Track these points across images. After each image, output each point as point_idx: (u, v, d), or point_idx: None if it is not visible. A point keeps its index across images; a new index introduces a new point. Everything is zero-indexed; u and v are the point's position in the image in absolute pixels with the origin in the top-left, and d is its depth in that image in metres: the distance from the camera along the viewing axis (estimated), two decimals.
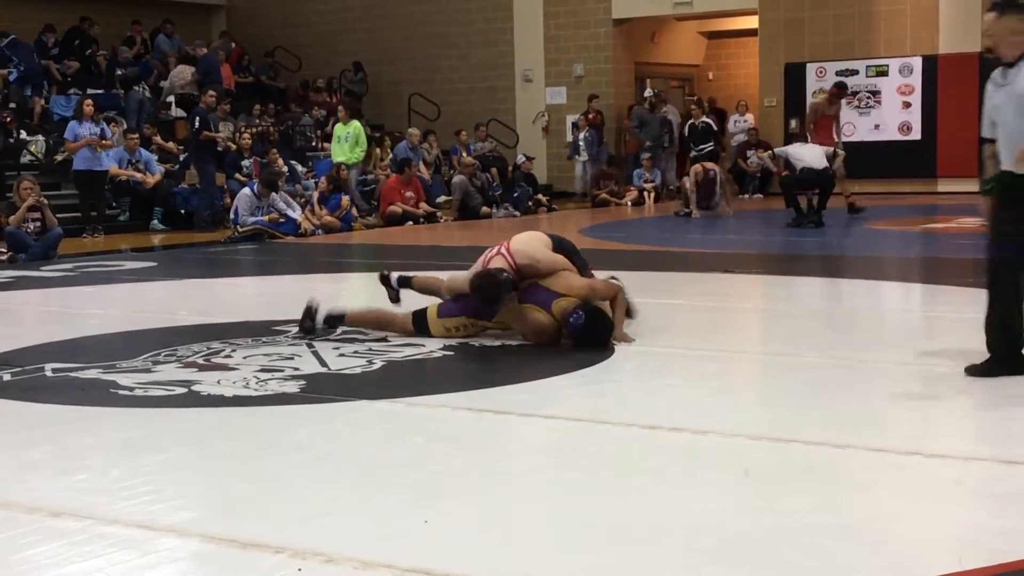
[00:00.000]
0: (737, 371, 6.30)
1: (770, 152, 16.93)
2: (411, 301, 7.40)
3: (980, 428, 4.64)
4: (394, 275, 7.62)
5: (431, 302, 7.21)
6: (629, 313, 6.93)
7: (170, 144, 19.13)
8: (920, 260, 11.90)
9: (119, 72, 20.99)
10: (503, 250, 6.94)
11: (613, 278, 7.12)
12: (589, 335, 6.57)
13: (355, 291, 10.12)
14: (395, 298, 7.55)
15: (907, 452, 4.36)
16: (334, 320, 7.20)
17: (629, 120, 22.28)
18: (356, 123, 18.00)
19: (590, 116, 21.86)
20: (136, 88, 20.60)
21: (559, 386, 5.79)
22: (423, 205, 17.94)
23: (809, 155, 15.12)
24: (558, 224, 17.26)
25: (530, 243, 7.04)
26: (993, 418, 4.88)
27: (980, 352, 5.53)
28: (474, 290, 6.76)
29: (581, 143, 21.83)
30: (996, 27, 5.37)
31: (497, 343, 6.78)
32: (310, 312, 7.15)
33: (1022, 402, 5.05)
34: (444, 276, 7.43)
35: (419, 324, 7.04)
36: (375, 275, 7.83)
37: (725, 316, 8.32)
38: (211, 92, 17.73)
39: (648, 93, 22.69)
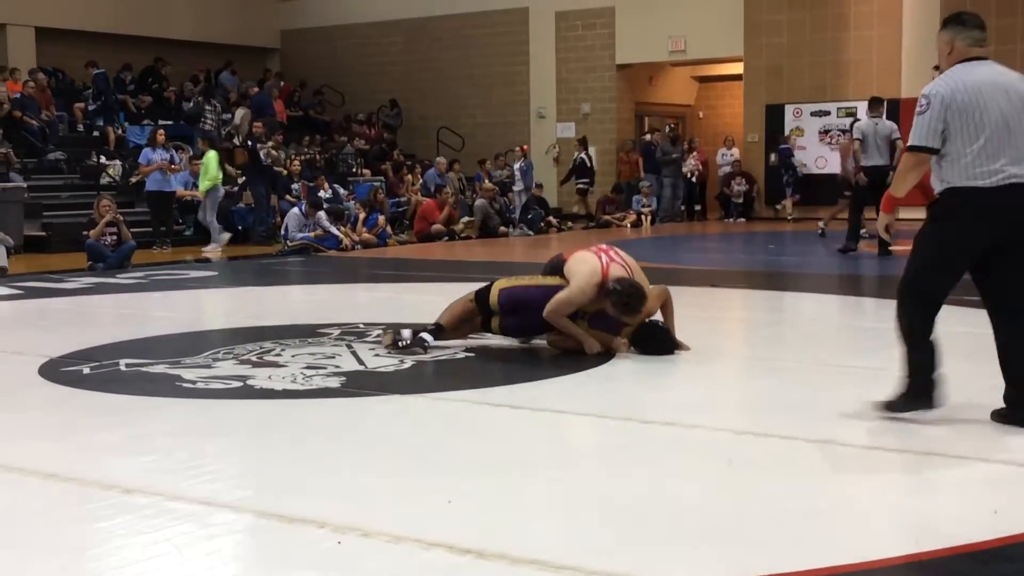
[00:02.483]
0: (723, 373, 6.28)
1: (853, 136, 13.17)
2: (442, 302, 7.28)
3: (937, 426, 4.61)
4: (421, 335, 6.51)
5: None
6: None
7: (229, 169, 19.16)
8: (892, 278, 11.83)
9: (187, 105, 20.97)
10: (617, 259, 6.37)
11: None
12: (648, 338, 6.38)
13: (389, 299, 10.11)
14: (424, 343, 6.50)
15: (871, 447, 4.35)
16: (431, 333, 6.50)
17: (659, 145, 21.89)
18: (211, 153, 16.34)
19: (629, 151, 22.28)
20: (196, 125, 20.56)
21: (566, 385, 5.77)
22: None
23: (876, 149, 12.77)
24: (569, 243, 17.26)
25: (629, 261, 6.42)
26: (950, 417, 4.84)
27: None
28: (622, 295, 6.06)
29: (517, 173, 20.84)
30: (937, 41, 4.84)
31: (511, 347, 6.75)
32: (400, 337, 6.47)
33: (977, 402, 4.99)
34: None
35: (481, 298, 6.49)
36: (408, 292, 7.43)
37: (712, 325, 8.29)
38: (257, 123, 17.74)
39: (667, 129, 22.79)
